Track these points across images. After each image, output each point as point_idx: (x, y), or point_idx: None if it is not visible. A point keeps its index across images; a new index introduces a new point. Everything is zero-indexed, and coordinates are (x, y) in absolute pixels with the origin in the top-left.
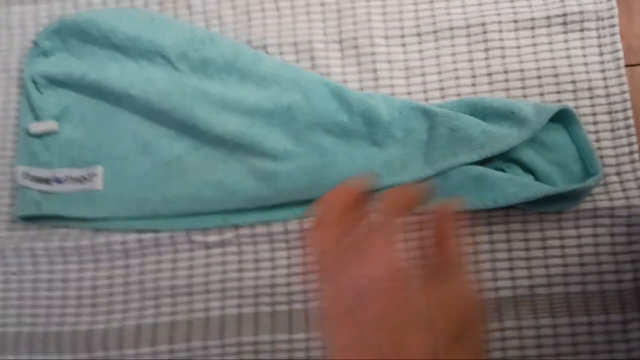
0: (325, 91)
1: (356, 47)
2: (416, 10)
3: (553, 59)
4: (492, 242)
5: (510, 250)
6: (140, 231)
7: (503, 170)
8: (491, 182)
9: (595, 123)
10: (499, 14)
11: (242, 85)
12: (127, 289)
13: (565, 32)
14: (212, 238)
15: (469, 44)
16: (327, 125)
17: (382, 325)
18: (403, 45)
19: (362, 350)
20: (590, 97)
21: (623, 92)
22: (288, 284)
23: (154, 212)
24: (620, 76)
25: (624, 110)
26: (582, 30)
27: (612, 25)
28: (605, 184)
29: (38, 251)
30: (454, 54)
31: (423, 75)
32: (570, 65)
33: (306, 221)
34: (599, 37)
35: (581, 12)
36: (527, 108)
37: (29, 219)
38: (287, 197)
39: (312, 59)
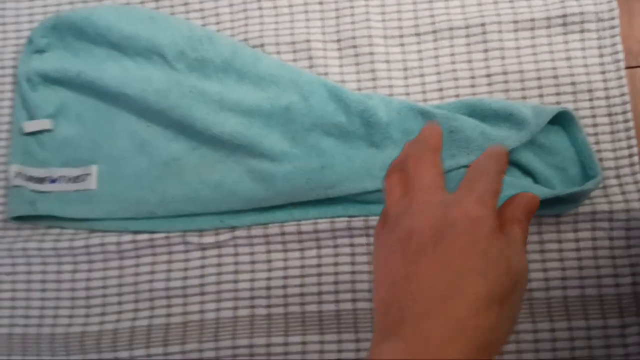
0: (324, 92)
1: (354, 47)
2: (415, 10)
3: (553, 60)
4: None
5: None
6: (135, 232)
7: None
8: None
9: (594, 125)
10: (498, 15)
11: (241, 85)
12: (121, 291)
13: (565, 33)
14: (208, 239)
15: (468, 45)
16: (325, 127)
17: (444, 263)
18: (402, 45)
19: (417, 286)
20: (590, 99)
21: (623, 95)
22: (284, 287)
23: (151, 213)
24: (620, 78)
25: (624, 112)
26: (582, 31)
27: (613, 27)
28: (605, 187)
29: (31, 252)
30: (453, 55)
31: (422, 75)
32: (570, 67)
33: (303, 224)
34: (599, 38)
35: (581, 13)
36: (526, 110)
37: (21, 219)
38: (284, 198)
39: (310, 58)
